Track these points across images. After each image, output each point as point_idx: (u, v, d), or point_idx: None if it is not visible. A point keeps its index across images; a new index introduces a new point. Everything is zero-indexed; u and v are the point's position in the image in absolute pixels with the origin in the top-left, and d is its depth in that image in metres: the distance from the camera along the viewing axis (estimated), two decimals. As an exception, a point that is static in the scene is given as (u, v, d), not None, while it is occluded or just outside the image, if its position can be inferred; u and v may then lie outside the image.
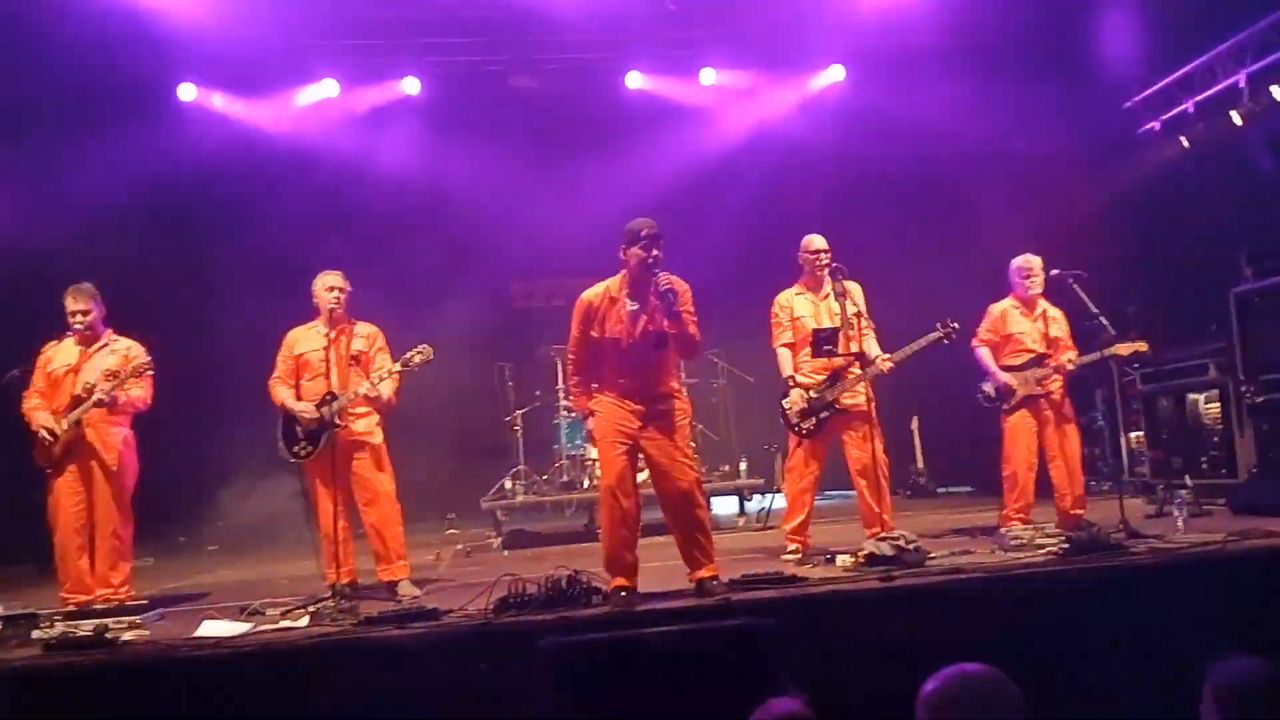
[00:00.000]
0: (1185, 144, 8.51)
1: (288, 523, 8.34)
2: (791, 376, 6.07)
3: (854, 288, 6.01)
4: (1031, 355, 6.37)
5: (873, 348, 6.01)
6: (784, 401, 6.09)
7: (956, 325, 6.09)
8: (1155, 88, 8.89)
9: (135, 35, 8.60)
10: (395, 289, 8.50)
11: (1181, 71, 8.57)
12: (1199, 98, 8.40)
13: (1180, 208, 8.79)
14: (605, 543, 4.85)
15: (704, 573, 4.81)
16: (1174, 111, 8.70)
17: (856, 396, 5.93)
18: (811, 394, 6.00)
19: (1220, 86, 8.17)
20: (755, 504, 8.75)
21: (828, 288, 6.08)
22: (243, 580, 7.06)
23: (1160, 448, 8.05)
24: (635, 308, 4.87)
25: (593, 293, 4.96)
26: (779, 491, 8.25)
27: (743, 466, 8.82)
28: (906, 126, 9.76)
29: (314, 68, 9.87)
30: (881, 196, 10.17)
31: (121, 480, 5.82)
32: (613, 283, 4.95)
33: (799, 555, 5.93)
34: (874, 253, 8.01)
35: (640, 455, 4.93)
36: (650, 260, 4.78)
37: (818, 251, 6.11)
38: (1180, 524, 5.69)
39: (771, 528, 8.00)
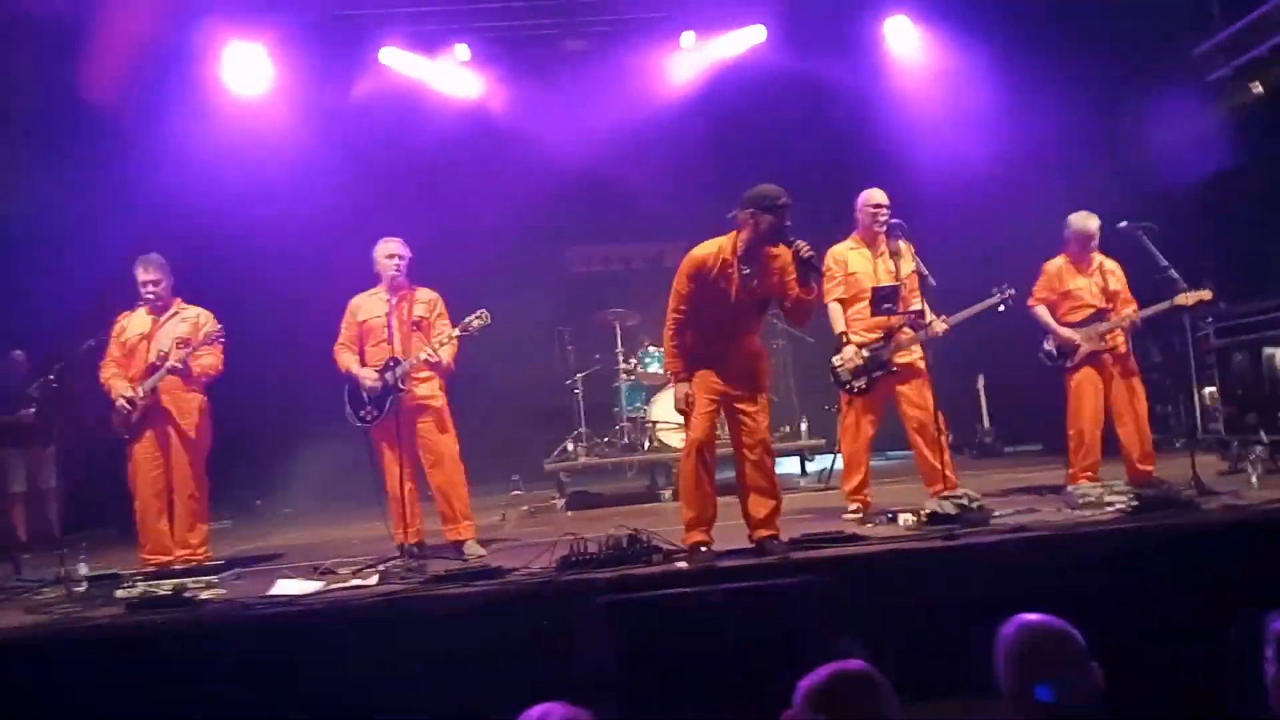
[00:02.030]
0: (1259, 89, 8.19)
1: (358, 486, 8.55)
2: (844, 333, 6.00)
3: (905, 247, 5.89)
4: (1091, 310, 6.24)
5: (924, 308, 5.94)
6: (835, 359, 6.02)
7: (1013, 290, 6.01)
8: (1227, 31, 8.54)
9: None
10: (453, 255, 8.56)
11: (1255, 14, 8.21)
12: (1273, 42, 8.06)
13: (1254, 157, 8.48)
14: (691, 498, 4.87)
15: (765, 531, 4.84)
16: (1247, 56, 8.36)
17: (911, 355, 5.86)
18: (865, 352, 5.93)
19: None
20: (816, 464, 8.73)
21: (883, 245, 5.99)
22: (315, 541, 7.24)
23: (1234, 403, 7.84)
24: (748, 271, 4.86)
25: (705, 251, 4.92)
26: (839, 452, 8.23)
27: (804, 427, 8.80)
28: (969, 75, 9.55)
29: (367, 35, 9.90)
30: (943, 151, 9.94)
31: (198, 446, 5.99)
32: (725, 243, 4.92)
33: (860, 515, 5.90)
34: (933, 209, 7.87)
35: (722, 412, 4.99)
36: (784, 229, 4.78)
37: (879, 205, 5.99)
38: (1254, 480, 5.56)
39: (833, 488, 7.95)
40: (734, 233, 4.90)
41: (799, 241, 4.74)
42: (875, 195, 6.06)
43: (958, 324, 5.93)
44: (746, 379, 4.95)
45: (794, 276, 4.84)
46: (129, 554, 6.10)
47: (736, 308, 4.89)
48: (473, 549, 5.80)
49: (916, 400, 5.86)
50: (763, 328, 5.26)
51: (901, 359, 5.88)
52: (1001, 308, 5.99)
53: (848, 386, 5.99)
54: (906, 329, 5.84)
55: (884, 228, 5.93)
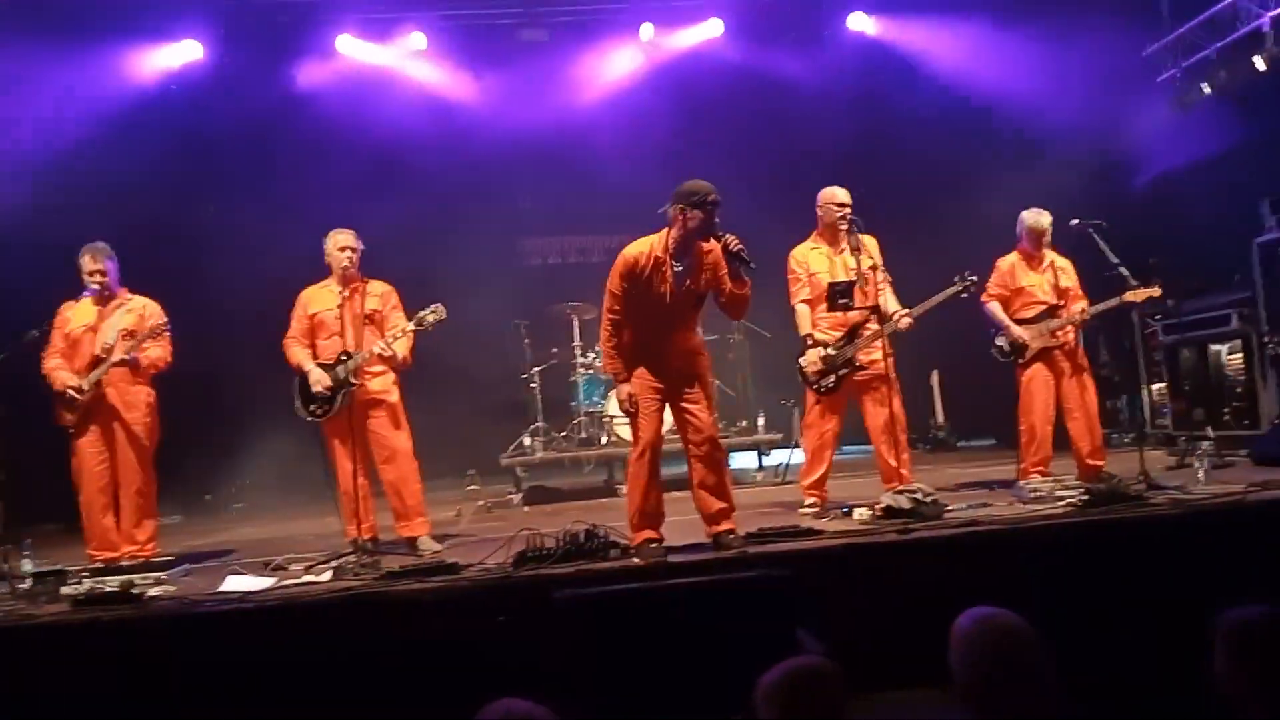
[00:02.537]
0: (1207, 90, 8.34)
1: (309, 481, 8.44)
2: (810, 335, 6.00)
3: (869, 241, 5.90)
4: (1043, 307, 6.31)
5: (891, 303, 5.93)
6: (800, 360, 6.03)
7: (975, 278, 6.03)
8: (1176, 33, 8.70)
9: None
10: (407, 246, 8.49)
11: (1203, 16, 8.36)
12: (1221, 43, 8.22)
13: (1202, 157, 8.64)
14: (637, 498, 4.88)
15: (722, 527, 4.85)
16: (1196, 57, 8.52)
17: (874, 353, 5.85)
18: (830, 350, 5.92)
19: (1243, 31, 7.97)
20: (773, 459, 8.77)
21: (844, 242, 5.98)
22: (266, 537, 7.13)
23: (1182, 399, 8.00)
24: (680, 268, 4.87)
25: (637, 250, 4.92)
26: (797, 446, 8.26)
27: (760, 422, 8.83)
28: (923, 72, 9.66)
29: (319, 25, 9.78)
30: (896, 147, 10.04)
31: (145, 440, 5.87)
32: (656, 241, 4.91)
33: (816, 509, 5.93)
34: (891, 205, 7.93)
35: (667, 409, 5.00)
36: (713, 225, 4.78)
37: (843, 204, 5.96)
38: (1201, 475, 5.66)
39: (790, 483, 8.00)
40: (665, 229, 4.91)
41: (728, 236, 4.76)
42: (838, 194, 6.01)
43: (922, 315, 5.94)
44: (686, 376, 4.96)
45: (725, 271, 4.86)
46: (75, 550, 5.97)
47: (671, 305, 4.90)
48: (427, 545, 5.73)
49: (878, 398, 5.88)
50: (699, 323, 5.23)
51: (865, 356, 5.88)
52: (964, 294, 6.00)
53: (816, 386, 6.00)
54: (870, 325, 5.83)
55: (846, 225, 5.90)
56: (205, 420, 8.97)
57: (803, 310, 6.06)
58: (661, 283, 4.86)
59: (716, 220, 4.79)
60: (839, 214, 5.95)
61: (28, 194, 8.15)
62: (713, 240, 4.82)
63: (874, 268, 5.80)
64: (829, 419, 6.06)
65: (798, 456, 7.90)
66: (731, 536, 4.80)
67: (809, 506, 5.98)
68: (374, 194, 9.32)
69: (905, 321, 5.85)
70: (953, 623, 2.48)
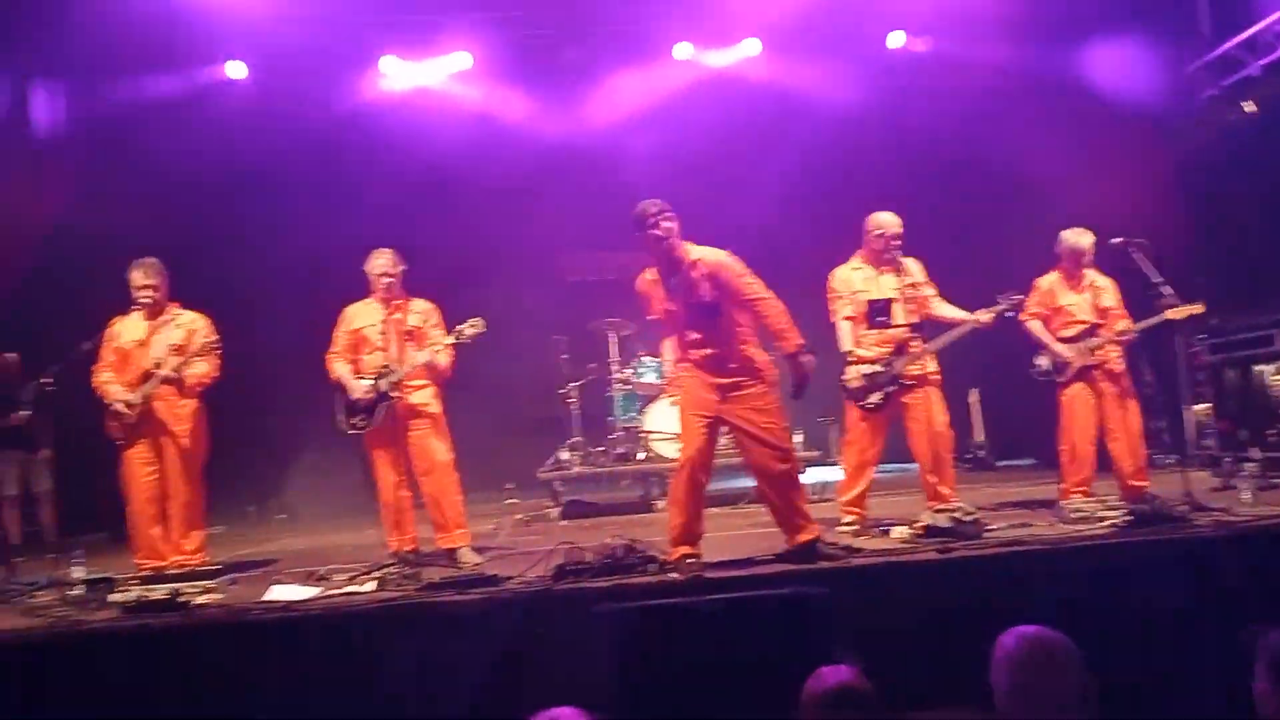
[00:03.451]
0: (1251, 108, 8.25)
1: (349, 493, 8.55)
2: (850, 351, 5.99)
3: (912, 264, 5.97)
4: (1083, 326, 6.26)
5: (946, 310, 6.03)
6: (842, 377, 6.02)
7: (1021, 297, 6.06)
8: (1218, 51, 8.61)
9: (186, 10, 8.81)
10: (448, 261, 8.60)
11: (1246, 34, 8.28)
12: (1265, 60, 8.13)
13: (1246, 175, 8.54)
14: (677, 513, 4.90)
15: (804, 536, 4.86)
16: (1238, 75, 8.43)
17: (922, 368, 5.87)
18: (877, 367, 5.91)
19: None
20: (809, 477, 8.74)
21: (886, 264, 5.99)
22: (310, 548, 7.23)
23: (1226, 419, 7.88)
24: (673, 281, 4.97)
25: (643, 275, 5.14)
26: (834, 464, 8.26)
27: (798, 439, 8.80)
28: (958, 96, 9.63)
29: (366, 46, 9.93)
30: (936, 169, 10.02)
31: (193, 452, 5.96)
32: (651, 268, 5.11)
33: (856, 527, 5.90)
34: (930, 226, 7.91)
35: (724, 428, 5.05)
36: (663, 235, 4.86)
37: (896, 236, 5.93)
38: (1246, 496, 5.59)
39: (827, 500, 7.98)
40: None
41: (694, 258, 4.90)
42: (890, 226, 5.97)
43: (985, 326, 5.96)
44: (740, 393, 4.94)
45: (725, 279, 4.89)
46: (123, 558, 6.08)
47: (689, 319, 4.97)
48: (467, 556, 5.79)
49: (920, 415, 5.86)
50: (754, 338, 5.14)
51: (913, 372, 5.88)
52: (1009, 313, 6.00)
53: (862, 404, 5.96)
54: (915, 343, 5.83)
55: (892, 254, 5.91)
56: (248, 433, 9.09)
57: (845, 327, 6.04)
58: (665, 300, 5.01)
59: (657, 233, 4.84)
60: (889, 243, 5.94)
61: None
62: (702, 251, 4.92)
63: (914, 285, 5.84)
64: (870, 436, 6.03)
65: (835, 474, 7.94)
66: (820, 545, 4.83)
67: (848, 524, 5.94)
68: (416, 212, 9.47)
69: (986, 317, 5.88)
70: (991, 643, 2.49)
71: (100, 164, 8.99)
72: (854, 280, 6.08)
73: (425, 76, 10.23)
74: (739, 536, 5.50)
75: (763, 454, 4.91)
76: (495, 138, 10.21)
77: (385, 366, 5.83)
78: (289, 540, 8.02)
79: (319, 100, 9.91)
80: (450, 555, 5.82)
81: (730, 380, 4.94)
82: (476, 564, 5.65)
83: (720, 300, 4.90)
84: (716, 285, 4.88)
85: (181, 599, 4.66)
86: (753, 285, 4.93)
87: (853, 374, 5.95)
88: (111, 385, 5.91)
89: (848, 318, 6.04)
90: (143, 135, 9.08)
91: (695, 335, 4.96)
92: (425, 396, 5.96)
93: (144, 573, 5.57)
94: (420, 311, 6.07)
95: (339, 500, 8.88)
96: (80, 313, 6.54)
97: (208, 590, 4.94)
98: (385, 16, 9.64)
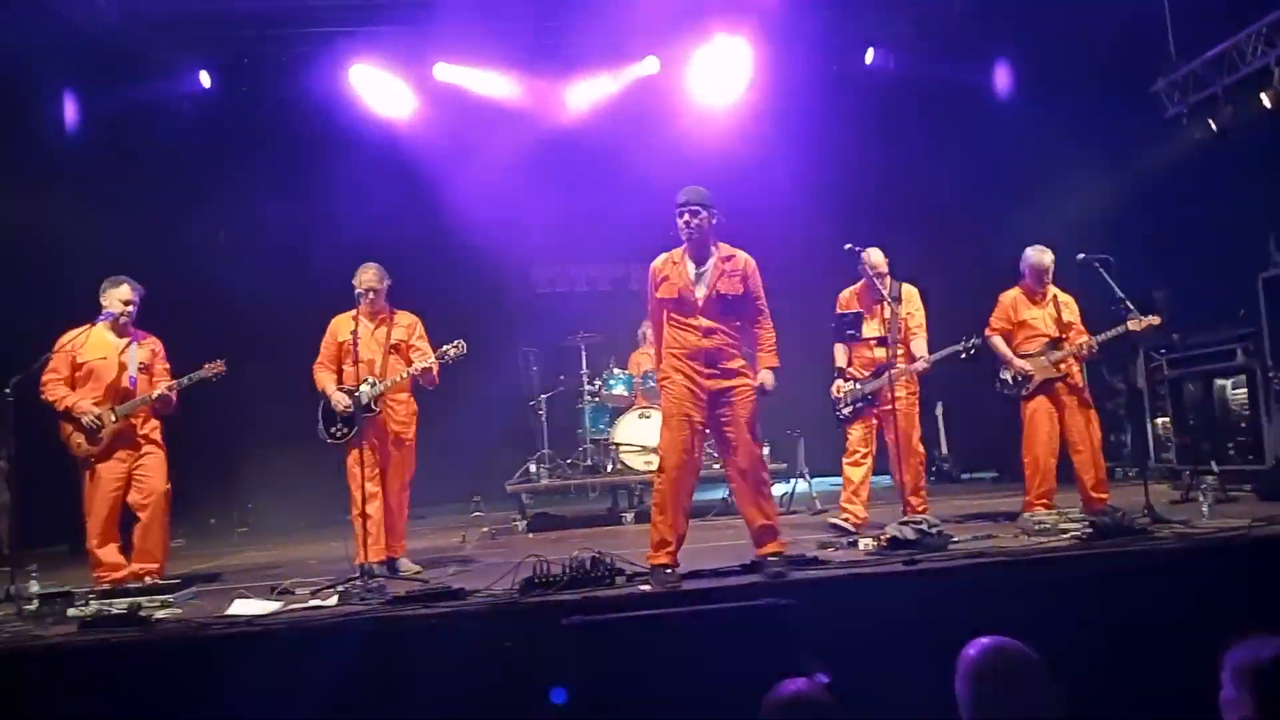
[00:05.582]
0: (1214, 128, 8.39)
1: (312, 505, 8.47)
2: (841, 369, 6.49)
3: (909, 290, 6.44)
4: (1045, 339, 6.38)
5: (920, 348, 6.39)
6: (831, 388, 6.56)
7: (978, 341, 6.31)
8: (1183, 70, 8.76)
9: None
10: (422, 272, 8.55)
11: (1210, 53, 8.42)
12: (1228, 80, 8.27)
13: (1208, 193, 8.68)
14: (659, 518, 4.89)
15: (773, 546, 4.90)
16: (1202, 94, 8.57)
17: (897, 390, 6.11)
18: (856, 385, 6.42)
19: (1249, 69, 8.02)
20: (778, 488, 8.76)
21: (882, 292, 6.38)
22: (271, 561, 7.16)
23: (1187, 433, 7.99)
24: (700, 270, 5.02)
25: (660, 258, 5.17)
26: (801, 477, 8.33)
27: (765, 451, 8.82)
28: (928, 111, 9.73)
29: (337, 50, 9.91)
30: (906, 185, 10.12)
31: (164, 466, 5.95)
32: (677, 249, 5.11)
33: (850, 523, 6.30)
34: (900, 247, 8.00)
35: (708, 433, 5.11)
36: (682, 225, 4.98)
37: (877, 268, 6.36)
38: (1205, 509, 5.67)
39: (795, 512, 8.04)
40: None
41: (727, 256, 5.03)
42: (882, 265, 6.40)
43: (935, 363, 6.37)
44: (729, 398, 4.96)
45: (757, 286, 5.07)
46: (81, 572, 5.98)
47: (702, 308, 4.96)
48: (407, 565, 5.98)
49: (894, 433, 6.18)
50: (743, 346, 5.20)
51: (887, 392, 6.14)
52: (963, 355, 6.28)
53: (836, 412, 6.55)
54: (899, 364, 6.28)
55: (880, 284, 6.33)
56: (209, 445, 8.99)
57: (840, 348, 6.56)
58: (683, 282, 4.99)
59: (686, 220, 4.96)
60: (876, 274, 6.36)
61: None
62: (737, 251, 5.06)
63: (909, 315, 6.37)
64: (861, 445, 6.51)
65: (801, 486, 8.12)
66: (772, 559, 4.83)
67: (843, 519, 6.37)
68: (390, 219, 9.41)
69: (921, 365, 6.29)
70: (956, 653, 2.50)
71: (65, 173, 8.87)
72: (854, 304, 6.57)
73: (400, 87, 10.20)
74: (706, 549, 5.48)
75: (747, 456, 4.95)
76: (465, 149, 10.19)
77: (367, 378, 5.89)
78: (251, 553, 7.92)
79: (291, 107, 9.86)
80: (390, 564, 5.94)
81: (723, 374, 4.97)
82: (417, 572, 5.84)
83: (744, 297, 5.04)
84: (745, 283, 5.03)
85: (142, 613, 4.58)
86: (763, 299, 5.15)
87: (835, 386, 6.55)
88: (81, 401, 5.78)
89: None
90: (110, 144, 8.98)
91: (709, 323, 4.97)
92: (407, 415, 6.10)
93: (102, 586, 5.48)
94: (405, 325, 6.16)
95: (300, 513, 8.80)
96: (40, 322, 6.43)
97: (167, 605, 4.85)
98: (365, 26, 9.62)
